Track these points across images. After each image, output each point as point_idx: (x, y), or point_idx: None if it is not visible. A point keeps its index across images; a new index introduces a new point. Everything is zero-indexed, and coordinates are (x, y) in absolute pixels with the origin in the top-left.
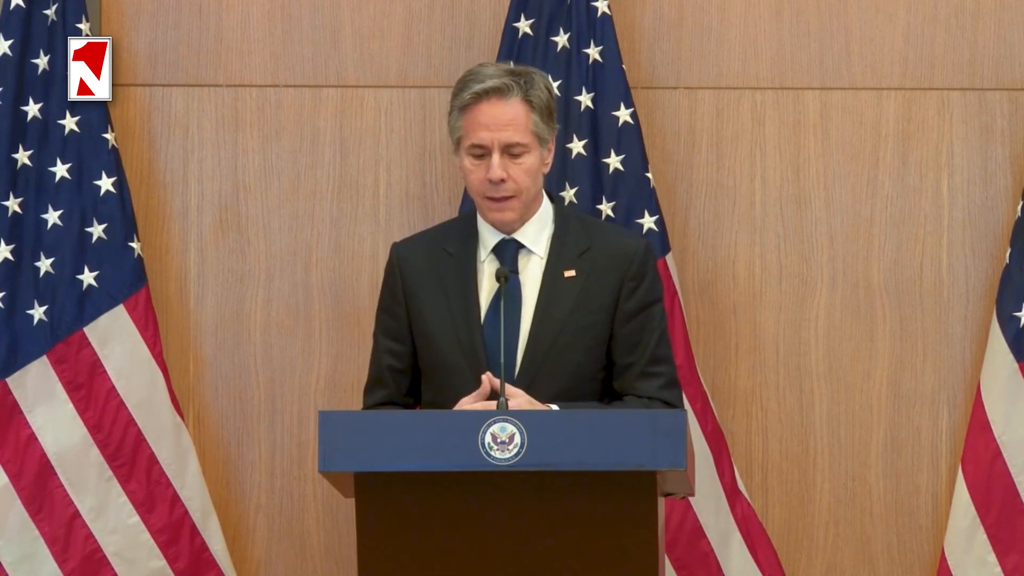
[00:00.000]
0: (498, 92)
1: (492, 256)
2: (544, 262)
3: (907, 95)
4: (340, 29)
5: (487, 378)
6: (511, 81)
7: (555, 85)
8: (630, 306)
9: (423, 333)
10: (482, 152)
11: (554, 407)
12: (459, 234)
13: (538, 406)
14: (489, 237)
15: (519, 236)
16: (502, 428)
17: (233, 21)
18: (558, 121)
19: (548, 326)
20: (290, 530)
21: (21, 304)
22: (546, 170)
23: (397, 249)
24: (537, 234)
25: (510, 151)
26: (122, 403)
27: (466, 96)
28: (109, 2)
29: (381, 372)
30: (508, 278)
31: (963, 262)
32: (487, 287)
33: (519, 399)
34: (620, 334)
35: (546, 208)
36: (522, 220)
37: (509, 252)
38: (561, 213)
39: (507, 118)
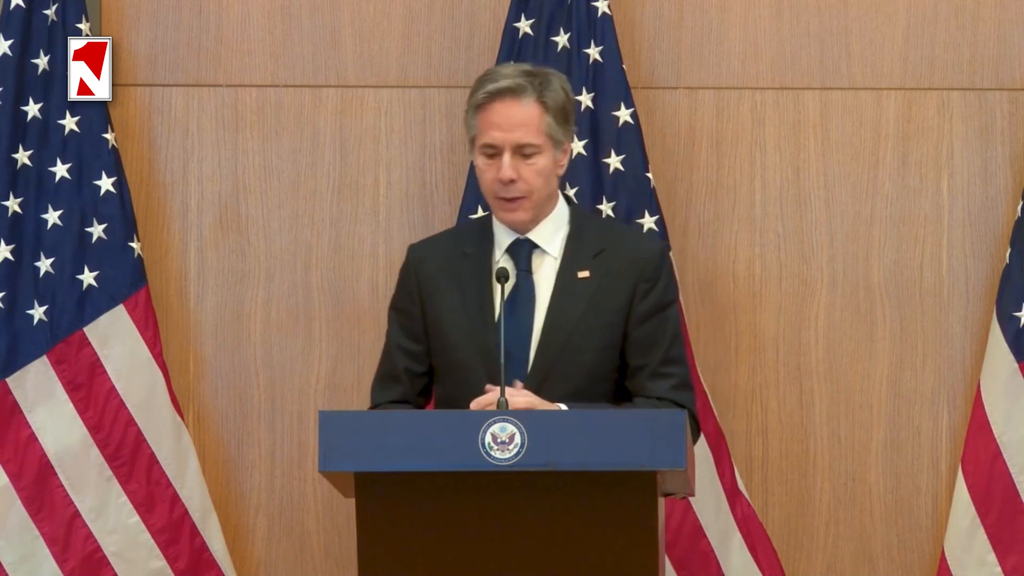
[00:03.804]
0: (511, 92)
1: (507, 256)
2: (558, 262)
3: (907, 95)
4: (340, 29)
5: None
6: (525, 81)
7: None
8: (644, 308)
9: (439, 333)
10: (494, 152)
11: (562, 406)
12: (475, 235)
13: (545, 406)
14: (503, 237)
15: (533, 236)
16: (502, 428)
17: (233, 21)
18: None
19: (560, 326)
20: (290, 530)
21: (21, 304)
22: (561, 171)
23: (413, 251)
24: (552, 234)
25: (522, 152)
26: (122, 403)
27: (480, 96)
28: (109, 2)
29: (396, 371)
30: (508, 278)
31: (963, 262)
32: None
33: (521, 399)
34: (633, 336)
35: (561, 209)
36: (535, 220)
37: (523, 252)
38: (577, 214)
39: (520, 119)
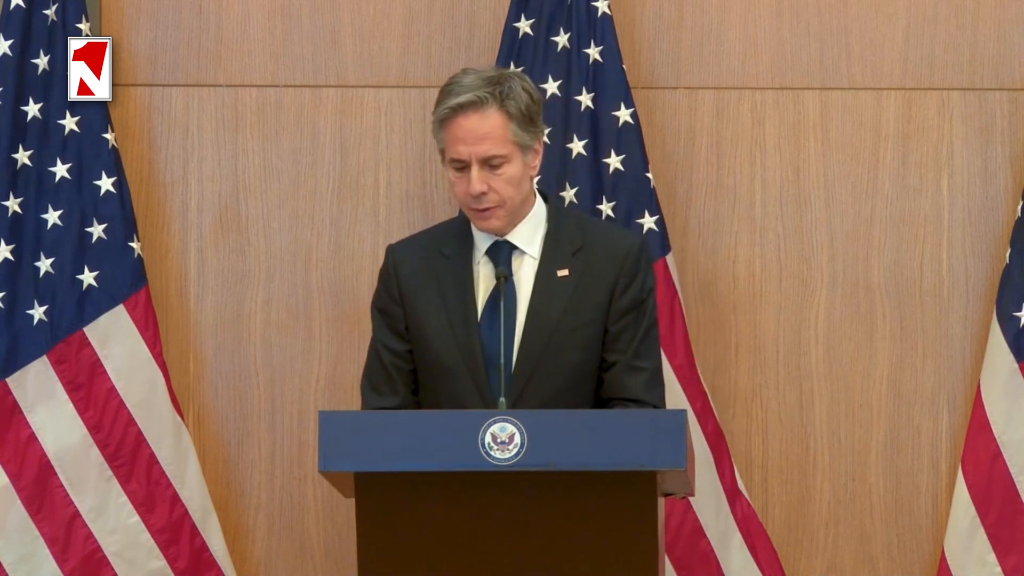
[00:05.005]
0: (472, 106)
1: (486, 258)
2: (537, 262)
3: (907, 95)
4: (340, 29)
5: None
6: (485, 93)
7: (555, 85)
8: (622, 304)
9: (420, 335)
10: (462, 166)
11: None
12: (454, 236)
13: None
14: (482, 240)
15: (511, 238)
16: (502, 428)
17: (233, 21)
18: (553, 121)
19: (541, 326)
20: (290, 530)
21: (21, 304)
22: (533, 173)
23: (393, 251)
24: (530, 235)
25: (489, 163)
26: (122, 403)
27: (442, 111)
28: (109, 2)
29: (388, 370)
30: (507, 279)
31: (963, 262)
32: (483, 288)
33: None
34: (612, 331)
35: (539, 208)
36: (512, 224)
37: (503, 254)
38: (555, 212)
39: (483, 131)
